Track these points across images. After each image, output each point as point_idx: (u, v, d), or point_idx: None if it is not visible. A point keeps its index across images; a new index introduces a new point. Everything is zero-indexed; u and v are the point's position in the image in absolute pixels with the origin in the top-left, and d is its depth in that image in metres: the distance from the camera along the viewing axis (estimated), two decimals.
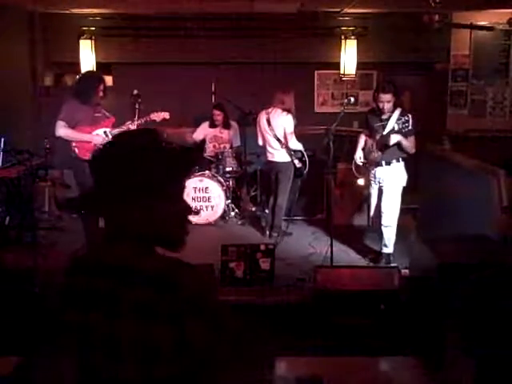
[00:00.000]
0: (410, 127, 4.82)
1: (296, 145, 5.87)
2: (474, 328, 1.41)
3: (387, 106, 4.87)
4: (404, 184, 5.05)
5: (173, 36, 7.64)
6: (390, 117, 4.91)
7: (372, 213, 5.23)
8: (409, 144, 4.89)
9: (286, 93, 5.77)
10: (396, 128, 4.85)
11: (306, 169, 5.98)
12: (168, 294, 1.37)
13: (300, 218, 6.72)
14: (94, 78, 5.27)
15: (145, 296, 1.37)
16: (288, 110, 5.74)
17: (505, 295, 1.42)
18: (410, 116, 4.87)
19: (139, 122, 5.06)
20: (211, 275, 3.95)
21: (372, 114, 5.12)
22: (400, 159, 4.98)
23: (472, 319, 1.42)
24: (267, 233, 6.06)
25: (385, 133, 4.90)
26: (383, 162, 4.98)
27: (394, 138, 4.84)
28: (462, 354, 1.43)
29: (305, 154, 5.98)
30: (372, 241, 5.67)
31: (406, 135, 4.85)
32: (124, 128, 5.15)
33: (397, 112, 4.91)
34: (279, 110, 5.76)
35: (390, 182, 5.01)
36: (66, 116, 4.97)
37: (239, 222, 6.66)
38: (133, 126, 5.09)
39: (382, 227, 5.05)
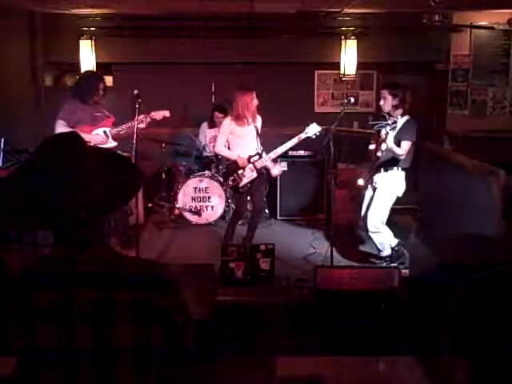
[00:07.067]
0: (405, 131, 4.78)
1: (217, 150, 5.54)
2: (473, 328, 1.42)
3: (382, 102, 4.87)
4: (399, 194, 4.96)
5: (173, 36, 7.64)
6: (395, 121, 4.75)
7: (362, 214, 5.17)
8: (398, 150, 4.77)
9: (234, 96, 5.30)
10: (396, 131, 4.75)
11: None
12: (155, 295, 1.41)
13: (300, 218, 6.72)
14: (93, 77, 5.27)
15: (137, 299, 1.39)
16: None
17: (504, 295, 1.42)
18: (408, 120, 4.84)
19: (139, 121, 5.04)
20: (210, 275, 3.95)
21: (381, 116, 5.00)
22: (400, 168, 4.87)
23: (471, 319, 1.42)
24: None
25: (390, 137, 4.74)
26: (382, 168, 4.90)
27: (390, 142, 4.76)
28: (460, 354, 1.43)
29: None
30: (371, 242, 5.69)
31: (399, 139, 4.77)
32: (124, 127, 5.13)
33: (404, 118, 4.84)
34: None
35: (384, 188, 4.92)
36: (65, 115, 4.97)
37: (239, 222, 6.64)
38: (133, 126, 5.06)
39: (370, 233, 5.02)
